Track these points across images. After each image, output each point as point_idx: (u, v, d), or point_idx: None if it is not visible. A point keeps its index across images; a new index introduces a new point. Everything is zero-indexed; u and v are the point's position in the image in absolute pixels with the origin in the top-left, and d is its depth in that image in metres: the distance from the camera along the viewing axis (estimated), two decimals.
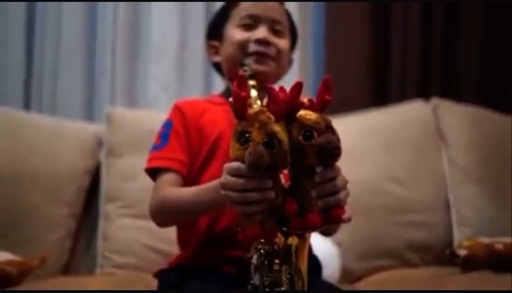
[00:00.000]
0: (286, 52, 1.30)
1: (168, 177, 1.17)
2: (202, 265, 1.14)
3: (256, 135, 0.84)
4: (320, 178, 0.87)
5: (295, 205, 0.86)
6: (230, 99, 0.87)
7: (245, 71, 1.21)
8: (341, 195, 0.88)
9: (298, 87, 0.86)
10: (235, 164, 0.86)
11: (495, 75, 2.27)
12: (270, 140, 0.83)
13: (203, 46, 2.16)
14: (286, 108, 0.87)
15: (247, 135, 0.84)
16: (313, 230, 0.88)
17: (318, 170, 0.88)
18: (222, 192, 0.89)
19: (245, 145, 0.84)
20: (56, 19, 2.12)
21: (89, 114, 2.15)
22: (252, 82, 1.19)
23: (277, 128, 0.85)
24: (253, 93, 1.17)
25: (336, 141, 0.86)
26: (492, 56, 2.27)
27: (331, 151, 0.85)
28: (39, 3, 2.15)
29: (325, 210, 0.87)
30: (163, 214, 1.15)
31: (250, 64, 1.23)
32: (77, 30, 2.14)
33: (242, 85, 0.87)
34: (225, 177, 0.88)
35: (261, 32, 1.25)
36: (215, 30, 1.35)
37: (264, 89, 1.18)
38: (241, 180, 0.85)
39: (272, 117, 0.86)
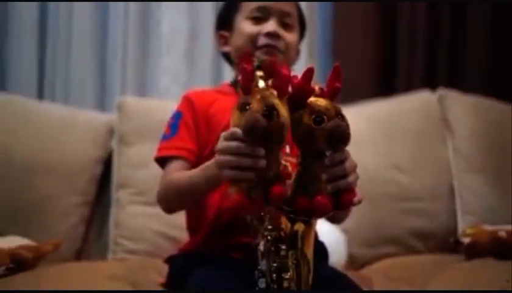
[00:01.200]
0: (294, 45, 1.31)
1: (176, 165, 1.20)
2: (211, 252, 1.16)
3: (255, 105, 0.86)
4: (330, 161, 0.89)
5: (307, 200, 0.87)
6: (238, 77, 0.89)
7: (253, 61, 1.24)
8: (351, 178, 0.90)
9: (309, 73, 0.89)
10: (231, 129, 0.88)
11: (501, 66, 2.28)
12: (269, 111, 0.85)
13: (213, 38, 2.20)
14: (297, 93, 0.89)
15: (247, 106, 0.87)
16: (323, 213, 0.88)
17: (328, 154, 0.90)
18: (216, 157, 0.91)
19: (243, 113, 0.87)
20: (69, 10, 2.15)
21: (101, 104, 2.18)
22: (259, 73, 1.22)
23: (277, 101, 0.87)
24: (261, 83, 1.19)
25: (345, 126, 0.88)
26: (498, 47, 2.28)
27: (341, 135, 0.87)
28: None
29: (335, 194, 0.89)
30: (168, 199, 1.18)
31: (260, 58, 1.25)
32: (89, 22, 2.17)
33: (249, 61, 0.90)
34: (220, 143, 0.90)
35: (271, 26, 1.27)
36: (225, 21, 1.36)
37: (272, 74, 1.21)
38: (234, 143, 0.87)
39: (275, 93, 0.88)
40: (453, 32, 2.26)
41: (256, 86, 1.18)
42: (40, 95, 2.16)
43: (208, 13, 2.19)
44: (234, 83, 1.34)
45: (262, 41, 1.27)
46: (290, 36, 1.30)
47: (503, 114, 2.00)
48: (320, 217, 0.90)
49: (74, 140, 1.83)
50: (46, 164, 1.77)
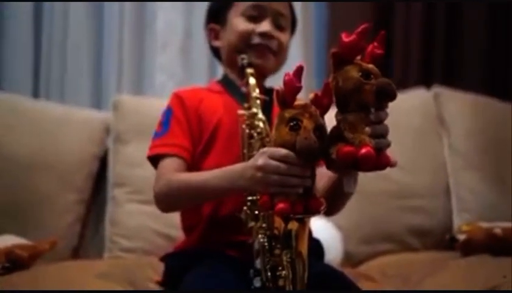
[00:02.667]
0: (286, 45, 1.31)
1: (170, 162, 1.19)
2: (208, 250, 1.16)
3: (307, 123, 0.88)
4: (376, 118, 0.90)
5: (352, 149, 0.86)
6: (278, 88, 0.90)
7: (243, 59, 1.23)
8: (389, 139, 0.91)
9: (364, 30, 0.90)
10: (282, 150, 0.89)
11: (496, 64, 2.29)
12: (320, 132, 0.88)
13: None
14: (347, 49, 0.89)
15: (296, 122, 0.88)
16: (368, 163, 0.86)
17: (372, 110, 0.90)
18: (259, 174, 0.92)
19: (294, 131, 0.88)
20: (63, 8, 2.14)
21: (97, 102, 2.18)
22: (250, 70, 1.22)
23: (322, 121, 0.89)
24: (252, 80, 1.20)
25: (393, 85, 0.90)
26: (492, 45, 2.28)
27: (391, 91, 0.89)
28: None
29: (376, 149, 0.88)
30: (168, 199, 1.16)
31: (251, 57, 1.24)
32: (84, 19, 2.17)
33: (299, 76, 0.91)
34: (265, 161, 0.91)
35: (265, 26, 1.26)
36: (217, 14, 1.35)
37: (258, 80, 1.22)
38: (285, 165, 0.89)
39: (318, 111, 0.90)
40: (448, 31, 2.27)
41: (248, 83, 1.19)
42: (35, 94, 2.16)
43: (203, 10, 2.18)
44: (223, 80, 1.33)
45: (255, 40, 1.26)
46: (283, 37, 1.29)
47: (498, 111, 2.01)
48: (365, 168, 0.87)
49: (69, 138, 1.83)
50: (41, 162, 1.76)
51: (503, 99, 2.07)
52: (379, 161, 0.88)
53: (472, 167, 1.90)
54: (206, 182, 1.08)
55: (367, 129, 0.88)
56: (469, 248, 1.55)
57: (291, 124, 0.89)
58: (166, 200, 1.17)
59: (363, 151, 0.85)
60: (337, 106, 0.91)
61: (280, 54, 1.29)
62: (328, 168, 0.92)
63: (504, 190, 1.84)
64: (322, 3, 2.31)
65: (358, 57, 0.91)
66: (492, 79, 2.29)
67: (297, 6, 1.91)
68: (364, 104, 0.89)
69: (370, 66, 0.90)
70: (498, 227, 1.55)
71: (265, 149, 0.92)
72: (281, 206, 0.88)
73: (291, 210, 0.89)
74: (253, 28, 1.27)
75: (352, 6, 2.22)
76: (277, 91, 0.90)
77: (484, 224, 1.59)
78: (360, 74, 0.89)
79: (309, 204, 0.90)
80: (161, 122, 1.25)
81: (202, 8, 2.19)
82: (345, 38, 0.89)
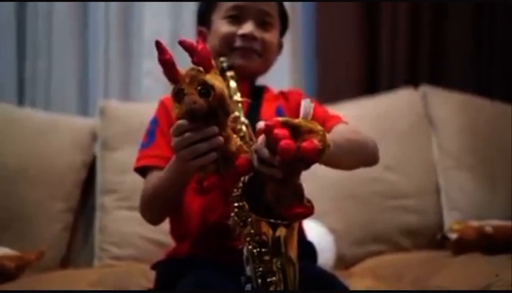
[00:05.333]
0: (273, 44, 1.27)
1: (155, 174, 1.17)
2: (199, 257, 1.15)
3: (188, 88, 0.86)
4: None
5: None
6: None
7: (222, 62, 1.21)
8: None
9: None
10: (176, 122, 0.88)
11: (482, 64, 2.30)
12: (204, 89, 0.85)
13: (195, 40, 2.17)
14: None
15: (179, 92, 0.87)
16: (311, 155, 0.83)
17: None
18: (176, 155, 0.91)
19: (180, 102, 0.87)
20: (48, 14, 2.12)
21: (83, 108, 2.16)
22: (229, 73, 1.20)
23: (208, 76, 0.87)
24: (232, 83, 1.18)
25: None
26: (478, 43, 2.30)
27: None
28: None
29: None
30: (147, 208, 1.17)
31: (234, 59, 1.22)
32: (70, 25, 2.14)
33: (164, 49, 0.88)
34: (172, 140, 0.90)
35: (247, 27, 1.23)
36: (203, 17, 1.32)
37: (244, 80, 1.20)
38: (185, 135, 0.87)
39: (201, 69, 0.88)
40: (434, 31, 2.27)
41: (228, 87, 1.18)
42: (20, 99, 2.13)
43: (190, 15, 2.18)
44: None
45: (237, 43, 1.23)
46: (268, 36, 1.26)
47: (485, 110, 2.02)
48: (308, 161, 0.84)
49: (56, 145, 1.81)
50: (28, 171, 1.74)
51: (489, 97, 2.09)
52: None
53: (461, 166, 1.91)
54: (161, 181, 1.09)
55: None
56: (461, 246, 1.55)
57: (178, 97, 0.87)
58: (146, 211, 1.18)
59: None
60: None
61: (266, 54, 1.26)
62: None
63: (493, 188, 1.85)
64: (309, 3, 2.30)
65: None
66: (477, 78, 2.29)
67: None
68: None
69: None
70: (489, 225, 1.56)
71: (171, 129, 0.90)
72: (209, 180, 0.89)
73: (221, 183, 0.89)
74: (234, 30, 1.24)
75: (338, 6, 2.22)
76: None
77: (475, 223, 1.60)
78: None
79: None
80: (147, 133, 1.25)
81: (189, 13, 2.21)
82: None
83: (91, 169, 1.85)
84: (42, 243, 1.63)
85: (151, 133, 1.23)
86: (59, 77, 2.12)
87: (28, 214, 1.72)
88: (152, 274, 1.28)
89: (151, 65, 2.15)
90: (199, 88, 0.85)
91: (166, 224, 1.34)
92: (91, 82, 2.17)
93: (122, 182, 1.77)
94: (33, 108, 2.06)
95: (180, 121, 0.87)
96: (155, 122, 1.24)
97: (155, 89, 2.14)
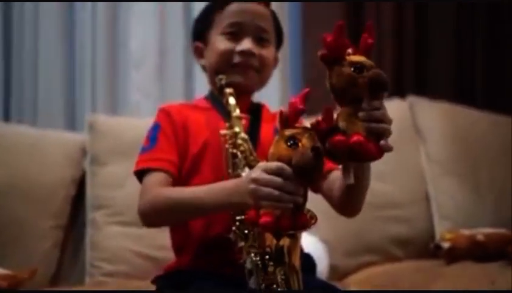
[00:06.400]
0: (270, 60, 1.28)
1: (157, 177, 1.16)
2: (200, 270, 1.14)
3: (305, 142, 0.89)
4: (368, 105, 0.90)
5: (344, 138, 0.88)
6: (282, 109, 0.92)
7: (220, 79, 1.22)
8: (386, 124, 0.91)
9: (340, 29, 0.90)
10: (276, 163, 0.90)
11: (465, 72, 2.34)
12: (317, 152, 0.88)
13: (183, 53, 2.18)
14: (333, 50, 0.90)
15: (295, 140, 0.89)
16: (360, 154, 0.87)
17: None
18: (252, 186, 0.92)
19: (292, 148, 0.89)
20: (34, 28, 2.10)
21: (71, 122, 2.13)
22: (229, 90, 1.21)
23: (321, 146, 0.90)
24: (232, 100, 1.19)
25: (385, 75, 0.90)
26: (462, 53, 2.34)
27: (383, 81, 0.90)
28: (15, 13, 2.11)
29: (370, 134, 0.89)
30: (153, 214, 1.14)
31: (232, 76, 1.23)
32: (56, 39, 2.12)
33: (303, 99, 0.92)
34: (258, 173, 0.91)
35: (246, 44, 1.23)
36: (200, 33, 1.32)
37: (242, 96, 1.21)
38: (279, 179, 0.89)
39: (316, 136, 0.91)
40: (418, 44, 2.32)
41: (227, 103, 1.18)
42: (7, 115, 2.09)
43: (178, 28, 2.18)
44: (210, 97, 1.32)
45: (236, 59, 1.24)
46: (266, 52, 1.27)
47: (471, 119, 2.06)
48: (358, 157, 0.89)
49: (45, 162, 1.79)
50: (16, 188, 1.72)
51: (473, 106, 2.13)
52: (371, 149, 0.88)
53: (449, 174, 1.93)
54: (202, 199, 1.07)
55: (361, 114, 0.89)
56: (453, 255, 1.58)
57: (290, 142, 0.90)
58: (151, 215, 1.15)
59: (354, 138, 0.87)
60: (336, 102, 0.93)
61: (263, 70, 1.27)
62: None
63: (482, 195, 1.88)
64: (296, 3, 2.31)
65: (350, 51, 0.92)
66: (460, 87, 2.34)
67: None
68: (358, 97, 0.91)
69: (362, 58, 0.91)
70: (480, 233, 1.59)
71: (261, 163, 0.92)
72: (265, 219, 0.88)
73: (276, 224, 0.88)
74: (233, 46, 1.24)
75: (325, 6, 2.24)
76: (281, 111, 0.91)
77: (467, 232, 1.62)
78: (352, 68, 0.90)
79: (296, 219, 0.89)
80: (149, 138, 1.23)
81: (177, 27, 2.21)
82: (327, 38, 0.91)
83: (80, 184, 1.83)
84: (32, 261, 1.61)
85: (153, 138, 1.21)
86: (46, 92, 2.10)
87: (17, 231, 1.69)
88: (152, 289, 1.26)
89: (139, 79, 2.15)
90: (313, 148, 0.88)
91: (158, 240, 1.33)
92: (78, 97, 2.14)
93: (113, 197, 1.75)
94: (20, 124, 2.03)
95: (284, 166, 0.89)
96: (157, 127, 1.23)
97: (143, 104, 2.13)
